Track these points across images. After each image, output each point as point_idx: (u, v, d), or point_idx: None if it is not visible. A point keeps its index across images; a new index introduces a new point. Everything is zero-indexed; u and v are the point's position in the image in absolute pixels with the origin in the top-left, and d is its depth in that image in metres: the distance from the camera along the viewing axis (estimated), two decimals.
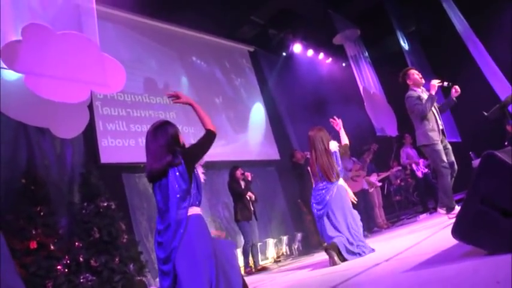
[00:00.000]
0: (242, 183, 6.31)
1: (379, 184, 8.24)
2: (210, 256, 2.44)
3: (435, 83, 4.81)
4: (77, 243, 4.80)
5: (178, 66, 8.59)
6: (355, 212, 4.06)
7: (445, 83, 4.87)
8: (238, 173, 6.32)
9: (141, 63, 7.77)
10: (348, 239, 3.80)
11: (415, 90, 4.95)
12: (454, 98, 4.88)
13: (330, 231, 3.91)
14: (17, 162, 5.09)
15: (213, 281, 2.38)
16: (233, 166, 6.48)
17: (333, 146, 4.15)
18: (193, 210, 2.54)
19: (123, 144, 6.73)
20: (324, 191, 4.01)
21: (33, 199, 4.63)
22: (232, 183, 6.32)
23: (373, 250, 3.84)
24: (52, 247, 4.49)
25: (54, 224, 4.76)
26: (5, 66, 4.47)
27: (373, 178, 8.06)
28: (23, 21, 4.68)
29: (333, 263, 3.60)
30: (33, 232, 4.40)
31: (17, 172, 4.92)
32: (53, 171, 5.47)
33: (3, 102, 4.49)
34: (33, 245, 4.33)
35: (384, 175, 8.54)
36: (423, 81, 5.06)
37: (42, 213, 4.59)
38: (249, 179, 6.34)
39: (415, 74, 5.05)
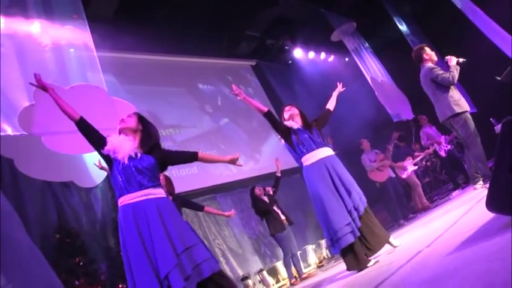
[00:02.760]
0: (265, 198, 6.32)
1: (415, 167, 8.08)
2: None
3: (451, 57, 4.79)
4: (120, 286, 4.87)
5: (190, 99, 8.78)
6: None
7: (460, 60, 4.83)
8: (257, 191, 6.34)
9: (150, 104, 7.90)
10: None
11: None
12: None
13: None
14: (48, 219, 5.21)
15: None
16: (251, 187, 6.50)
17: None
18: None
19: None
20: None
21: (70, 251, 4.74)
22: (255, 202, 6.32)
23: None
24: None
25: (95, 271, 4.85)
26: (24, 132, 4.62)
27: (408, 162, 7.91)
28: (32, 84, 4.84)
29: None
30: (76, 283, 4.50)
31: (49, 228, 5.05)
32: (84, 221, 5.59)
33: (24, 163, 4.62)
34: None
35: (419, 157, 8.32)
36: (436, 58, 5.06)
37: (81, 264, 4.69)
38: (271, 193, 6.37)
39: (429, 50, 5.07)
